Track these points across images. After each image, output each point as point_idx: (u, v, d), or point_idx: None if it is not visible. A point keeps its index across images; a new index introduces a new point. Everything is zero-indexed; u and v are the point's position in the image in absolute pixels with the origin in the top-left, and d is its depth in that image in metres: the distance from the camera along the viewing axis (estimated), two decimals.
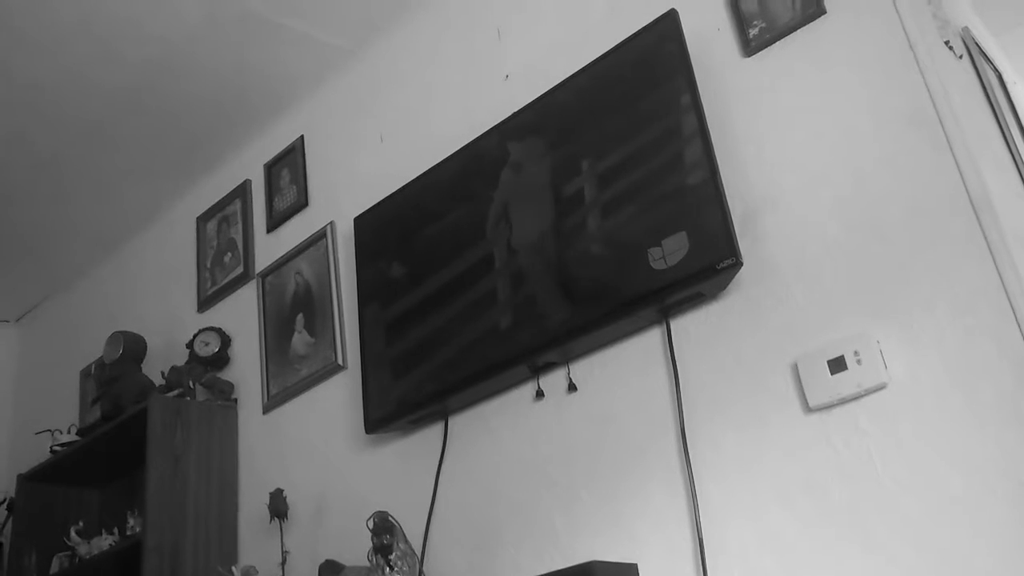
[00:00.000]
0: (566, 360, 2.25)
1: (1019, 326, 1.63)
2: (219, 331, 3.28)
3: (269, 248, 3.27)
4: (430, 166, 2.63)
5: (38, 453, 3.52)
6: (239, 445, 3.10)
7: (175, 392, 3.11)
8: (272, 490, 2.66)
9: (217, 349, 3.23)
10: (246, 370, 3.19)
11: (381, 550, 2.19)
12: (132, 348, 3.33)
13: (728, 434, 1.94)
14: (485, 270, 2.37)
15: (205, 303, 3.45)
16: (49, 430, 3.49)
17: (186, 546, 2.82)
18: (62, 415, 3.77)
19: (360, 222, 2.78)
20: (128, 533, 3.03)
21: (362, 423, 2.56)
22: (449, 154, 2.59)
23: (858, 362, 1.77)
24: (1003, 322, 1.65)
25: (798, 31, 2.07)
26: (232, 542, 2.95)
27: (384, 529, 2.20)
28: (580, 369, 2.23)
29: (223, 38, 2.99)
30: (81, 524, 3.25)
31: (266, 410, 3.05)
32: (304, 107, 3.31)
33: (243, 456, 3.08)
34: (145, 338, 3.40)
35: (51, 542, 3.29)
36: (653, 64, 2.17)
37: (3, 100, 3.11)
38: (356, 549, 2.37)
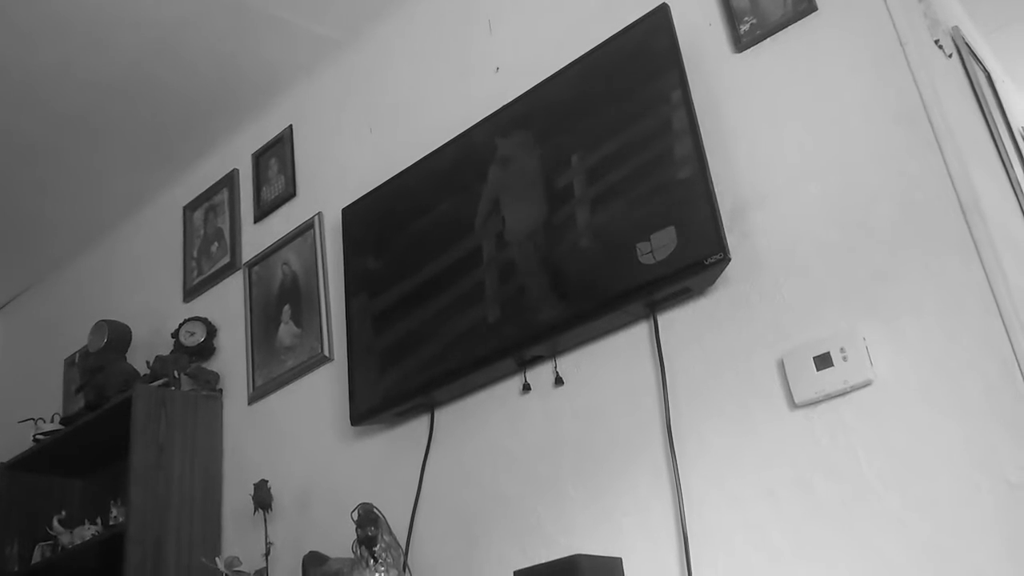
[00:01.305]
0: (553, 354, 2.24)
1: (1004, 324, 1.64)
2: (205, 321, 3.26)
3: (256, 238, 3.26)
4: (419, 158, 2.62)
5: (21, 442, 3.49)
6: (224, 436, 3.09)
7: (160, 382, 3.09)
8: (256, 481, 2.65)
9: (203, 339, 3.22)
10: (232, 360, 3.18)
11: (366, 542, 2.18)
12: (117, 337, 3.31)
13: (714, 429, 1.94)
14: (473, 263, 2.36)
15: (191, 293, 3.44)
16: (32, 419, 3.47)
17: (169, 536, 2.81)
18: (46, 404, 3.74)
19: (348, 213, 2.77)
20: (111, 523, 3.01)
21: (348, 415, 2.55)
22: (439, 146, 2.58)
23: (844, 359, 1.78)
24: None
25: (789, 27, 2.07)
26: (216, 533, 2.94)
27: (369, 521, 2.19)
28: (567, 363, 2.23)
29: (212, 27, 2.97)
30: (64, 513, 3.23)
31: (251, 401, 3.04)
32: (293, 97, 3.30)
33: (228, 447, 3.07)
34: (130, 327, 3.38)
35: (33, 531, 3.27)
36: (644, 58, 2.17)
37: None
38: (340, 541, 2.37)
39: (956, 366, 1.68)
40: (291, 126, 3.26)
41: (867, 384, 1.76)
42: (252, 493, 2.63)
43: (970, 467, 1.62)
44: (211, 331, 3.25)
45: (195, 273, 3.46)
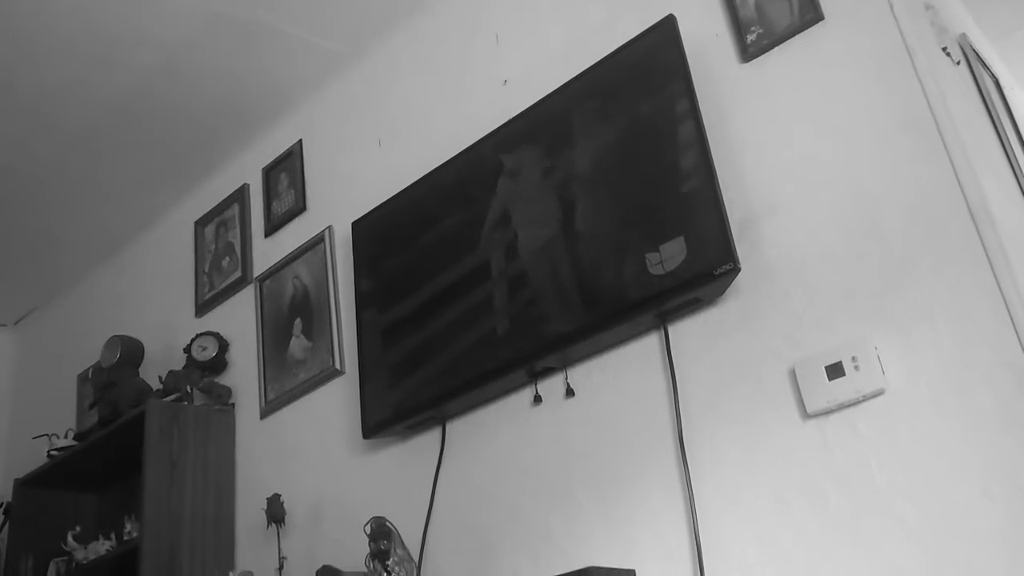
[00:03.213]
0: (564, 365, 2.24)
1: (1016, 332, 1.63)
2: (217, 335, 3.27)
3: (267, 252, 3.27)
4: (428, 171, 2.63)
5: (35, 458, 3.51)
6: (236, 450, 3.10)
7: (172, 397, 3.10)
8: (269, 495, 2.65)
9: (215, 353, 3.23)
10: (244, 375, 3.19)
11: (378, 556, 2.18)
12: (130, 352, 3.32)
13: (726, 440, 1.94)
14: (482, 276, 2.37)
15: (203, 307, 3.45)
16: (46, 434, 3.49)
17: (183, 551, 2.81)
18: (59, 419, 3.77)
19: (358, 227, 2.78)
20: (125, 538, 3.02)
21: (360, 428, 2.56)
22: (447, 159, 2.59)
23: (856, 368, 1.77)
24: (1000, 328, 1.65)
25: (796, 37, 2.07)
26: (229, 547, 2.94)
27: (381, 534, 2.19)
28: (578, 374, 2.23)
29: (222, 44, 2.99)
30: (78, 529, 3.24)
31: (263, 415, 3.04)
32: (302, 112, 3.31)
33: (240, 461, 3.08)
34: (143, 342, 3.39)
35: (48, 547, 3.29)
36: (651, 70, 2.17)
37: (3, 106, 3.11)
38: (353, 555, 2.37)
39: (968, 374, 1.67)
40: (300, 141, 3.28)
41: (879, 393, 1.75)
42: (265, 507, 2.63)
43: (982, 476, 1.61)
44: (223, 345, 3.26)
45: (207, 288, 3.47)
